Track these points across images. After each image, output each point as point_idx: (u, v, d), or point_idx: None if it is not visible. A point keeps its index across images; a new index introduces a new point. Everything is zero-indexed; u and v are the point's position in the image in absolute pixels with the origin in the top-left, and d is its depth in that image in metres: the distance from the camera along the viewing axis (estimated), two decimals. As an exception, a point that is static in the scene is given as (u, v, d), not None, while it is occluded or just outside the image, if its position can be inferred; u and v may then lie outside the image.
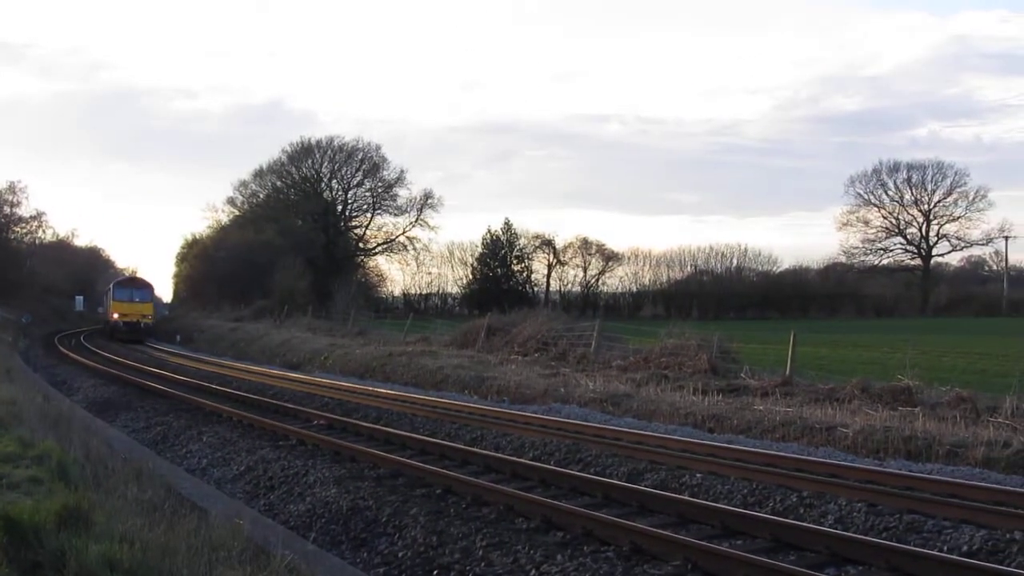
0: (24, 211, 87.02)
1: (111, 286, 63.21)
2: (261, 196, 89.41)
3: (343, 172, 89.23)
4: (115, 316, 59.07)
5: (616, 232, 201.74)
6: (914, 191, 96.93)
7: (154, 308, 63.06)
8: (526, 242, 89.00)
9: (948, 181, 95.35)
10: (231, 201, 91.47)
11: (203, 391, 23.55)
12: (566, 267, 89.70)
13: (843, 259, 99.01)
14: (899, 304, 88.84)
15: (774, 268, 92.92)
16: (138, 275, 66.42)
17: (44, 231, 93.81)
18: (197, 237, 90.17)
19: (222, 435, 16.37)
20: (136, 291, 60.73)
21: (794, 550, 8.40)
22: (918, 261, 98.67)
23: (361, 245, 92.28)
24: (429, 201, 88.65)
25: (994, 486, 11.20)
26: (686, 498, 10.31)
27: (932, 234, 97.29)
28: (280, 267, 65.86)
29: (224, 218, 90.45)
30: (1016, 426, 15.49)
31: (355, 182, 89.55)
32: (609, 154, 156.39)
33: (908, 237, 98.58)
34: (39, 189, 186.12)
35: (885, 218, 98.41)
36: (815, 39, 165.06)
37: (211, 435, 16.51)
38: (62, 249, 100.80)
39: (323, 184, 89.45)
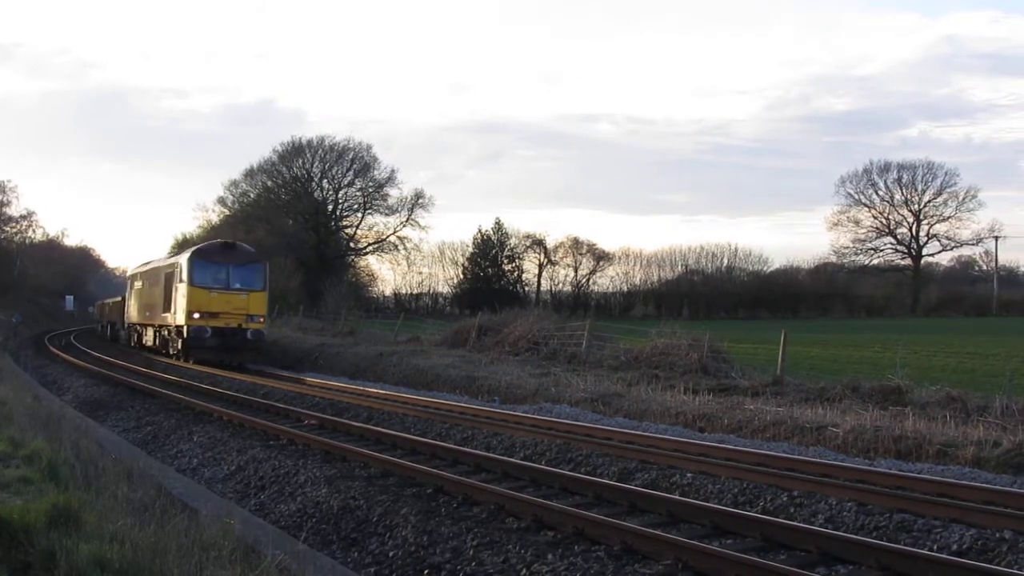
0: (14, 211, 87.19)
1: (183, 261, 34.28)
2: (252, 196, 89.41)
3: (334, 172, 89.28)
4: (194, 316, 32.67)
5: (607, 232, 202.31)
6: (904, 191, 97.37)
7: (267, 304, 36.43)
8: (517, 242, 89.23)
9: (938, 181, 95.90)
10: (222, 201, 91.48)
11: (193, 391, 23.50)
12: (557, 267, 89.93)
13: (834, 259, 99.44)
14: (889, 304, 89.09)
15: (765, 268, 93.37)
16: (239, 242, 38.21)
17: (34, 231, 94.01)
18: (188, 237, 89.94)
19: (212, 435, 16.32)
20: (236, 270, 33.98)
21: (784, 549, 8.41)
22: (908, 261, 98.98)
23: (352, 245, 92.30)
24: (420, 201, 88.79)
25: (984, 485, 11.24)
26: (677, 497, 10.31)
27: (922, 234, 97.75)
28: (271, 267, 65.61)
29: (215, 218, 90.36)
30: (1006, 425, 15.54)
31: (346, 182, 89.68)
32: (600, 154, 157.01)
33: (898, 237, 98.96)
34: (29, 189, 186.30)
35: (875, 218, 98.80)
36: (806, 39, 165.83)
37: (201, 435, 16.47)
38: (52, 249, 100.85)
39: (314, 184, 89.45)
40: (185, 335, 33.15)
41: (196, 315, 32.58)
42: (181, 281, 33.73)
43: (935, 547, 8.45)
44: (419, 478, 11.71)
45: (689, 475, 11.68)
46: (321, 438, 14.86)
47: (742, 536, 8.81)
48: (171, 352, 35.69)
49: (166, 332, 36.76)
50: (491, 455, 13.19)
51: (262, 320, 33.98)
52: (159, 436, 17.34)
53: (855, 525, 9.31)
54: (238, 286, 33.53)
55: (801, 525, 9.03)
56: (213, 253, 34.45)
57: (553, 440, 14.52)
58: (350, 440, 15.16)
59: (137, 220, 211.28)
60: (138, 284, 44.04)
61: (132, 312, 45.58)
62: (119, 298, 53.82)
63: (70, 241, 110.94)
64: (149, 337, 40.48)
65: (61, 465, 9.73)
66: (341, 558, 9.20)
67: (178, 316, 33.96)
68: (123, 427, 18.89)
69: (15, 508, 6.95)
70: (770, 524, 8.91)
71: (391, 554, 9.06)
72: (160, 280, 37.68)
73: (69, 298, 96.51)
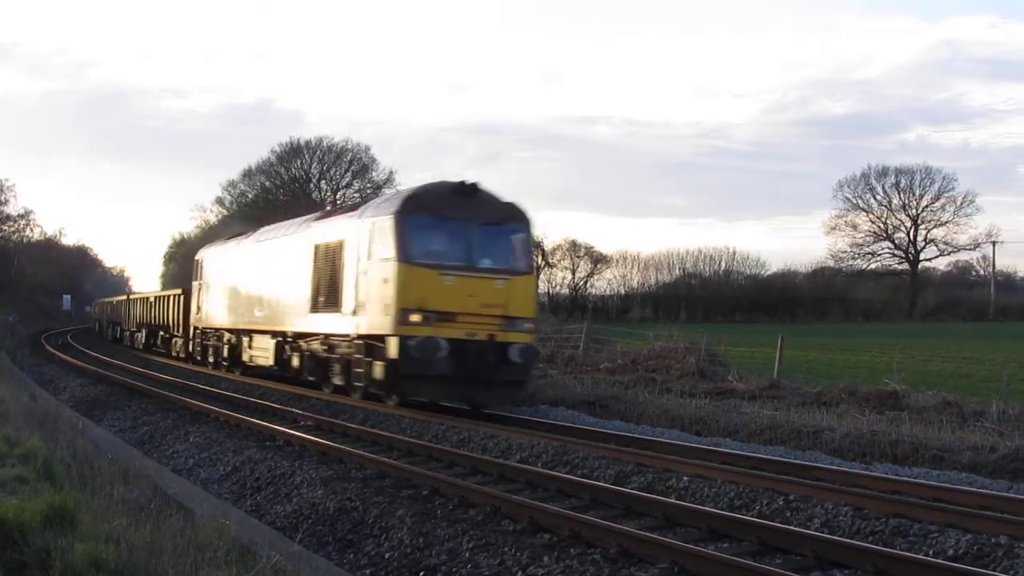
0: (12, 210, 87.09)
1: (382, 217, 18.76)
2: (250, 196, 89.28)
3: (332, 173, 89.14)
4: (411, 318, 17.54)
5: (605, 234, 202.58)
6: (902, 196, 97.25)
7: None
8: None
9: (936, 186, 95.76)
10: (220, 201, 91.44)
11: (190, 391, 23.47)
12: (554, 269, 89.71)
13: (831, 263, 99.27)
14: (887, 308, 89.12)
15: (762, 271, 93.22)
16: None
17: (32, 230, 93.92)
18: (185, 237, 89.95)
19: (209, 435, 16.31)
20: (484, 234, 18.87)
21: (780, 553, 8.40)
22: (906, 266, 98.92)
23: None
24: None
25: (980, 491, 11.25)
26: (673, 501, 10.31)
27: (920, 239, 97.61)
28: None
29: (212, 218, 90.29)
30: (1002, 431, 15.60)
31: (344, 183, 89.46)
32: (597, 156, 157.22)
33: (896, 242, 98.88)
34: (29, 188, 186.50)
35: (873, 222, 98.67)
36: (804, 43, 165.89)
37: (198, 435, 16.45)
38: (50, 248, 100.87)
39: (312, 185, 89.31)
40: (395, 354, 17.75)
41: (415, 317, 17.60)
42: (377, 256, 18.65)
43: (931, 552, 8.44)
44: (415, 480, 11.71)
45: (685, 478, 11.67)
46: (318, 439, 14.84)
47: (738, 540, 8.80)
48: (341, 383, 20.76)
49: (324, 349, 21.51)
50: (487, 457, 13.19)
51: (531, 327, 18.95)
52: (155, 436, 17.33)
53: (851, 529, 9.30)
54: (488, 263, 18.64)
55: (797, 529, 9.03)
56: (440, 203, 18.69)
57: (550, 442, 14.50)
58: (346, 441, 15.13)
59: (137, 220, 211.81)
60: (224, 265, 30.12)
61: (211, 311, 30.90)
62: (175, 291, 38.84)
63: (68, 240, 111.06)
64: (262, 352, 25.51)
65: (57, 464, 9.72)
66: (337, 559, 9.19)
67: (372, 319, 18.67)
68: (119, 427, 18.89)
69: (11, 507, 6.93)
70: (766, 528, 8.91)
71: (387, 555, 9.05)
72: (303, 255, 22.78)
73: (66, 297, 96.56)
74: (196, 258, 34.15)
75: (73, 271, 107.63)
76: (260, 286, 26.23)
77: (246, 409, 19.58)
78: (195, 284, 33.23)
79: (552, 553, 8.41)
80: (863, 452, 14.98)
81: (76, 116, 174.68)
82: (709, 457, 13.55)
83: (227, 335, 29.31)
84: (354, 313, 19.50)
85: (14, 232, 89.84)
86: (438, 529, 9.33)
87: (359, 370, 19.28)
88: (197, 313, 32.64)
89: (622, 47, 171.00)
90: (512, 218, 19.49)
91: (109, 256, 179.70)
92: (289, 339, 23.75)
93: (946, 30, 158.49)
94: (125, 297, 55.09)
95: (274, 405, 19.92)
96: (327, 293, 21.18)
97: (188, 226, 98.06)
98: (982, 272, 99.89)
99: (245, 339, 27.36)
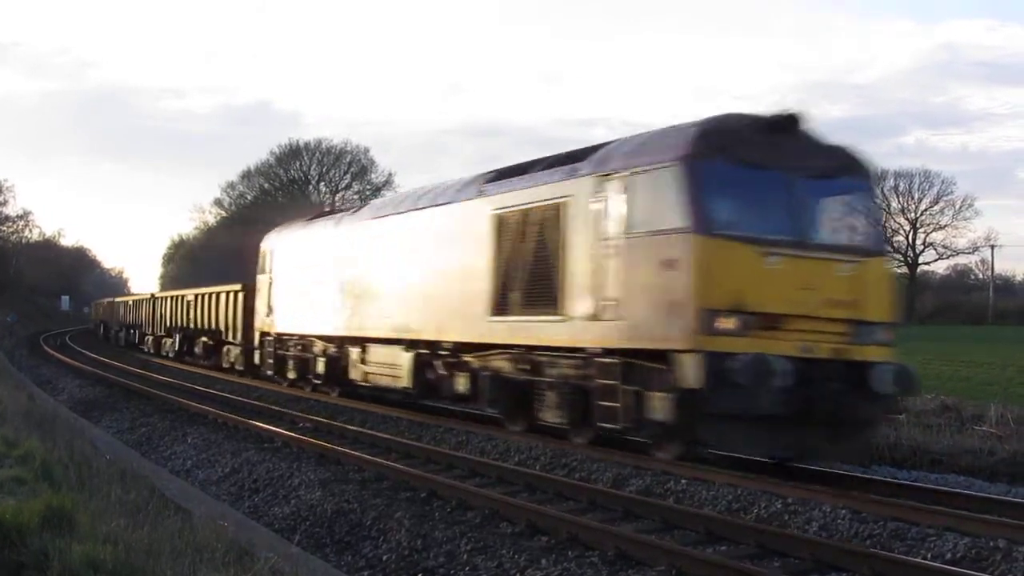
0: (10, 210, 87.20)
1: (658, 168, 12.01)
2: (248, 198, 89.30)
3: (331, 174, 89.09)
4: (719, 322, 11.12)
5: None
6: (901, 199, 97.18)
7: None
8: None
9: (935, 190, 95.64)
10: (218, 202, 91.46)
11: (188, 392, 23.46)
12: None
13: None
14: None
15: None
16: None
17: (30, 231, 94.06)
18: (184, 238, 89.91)
19: (207, 437, 16.31)
20: (814, 194, 12.25)
21: (778, 556, 8.40)
22: (904, 269, 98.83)
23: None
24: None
25: (978, 494, 11.25)
26: (670, 504, 10.31)
27: (919, 242, 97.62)
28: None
29: (211, 219, 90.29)
30: (1001, 434, 15.59)
31: (343, 184, 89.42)
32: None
33: (895, 245, 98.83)
34: (27, 188, 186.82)
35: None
36: (803, 46, 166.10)
37: (196, 437, 16.45)
38: (48, 249, 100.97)
39: (311, 186, 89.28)
40: (695, 382, 11.33)
41: (727, 322, 11.37)
42: (645, 227, 12.34)
43: (929, 555, 8.44)
44: (413, 482, 11.70)
45: (683, 481, 11.65)
46: (316, 441, 14.83)
47: (736, 543, 8.80)
48: (559, 420, 14.29)
49: (522, 369, 14.93)
50: (486, 460, 13.18)
51: (891, 337, 12.76)
52: (153, 437, 17.32)
53: (849, 533, 9.30)
54: (826, 238, 12.50)
55: (795, 532, 9.04)
56: (747, 145, 12.11)
57: (547, 445, 14.48)
58: (345, 443, 15.12)
59: (136, 221, 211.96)
60: (313, 252, 23.06)
61: (291, 313, 24.06)
62: (231, 287, 31.30)
63: (66, 241, 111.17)
64: (386, 369, 19.03)
65: (55, 465, 9.72)
66: (335, 561, 9.19)
67: (639, 324, 12.24)
68: (117, 428, 18.88)
69: (9, 508, 6.93)
70: (764, 531, 8.91)
71: (385, 558, 9.05)
72: (472, 232, 16.02)
73: (65, 298, 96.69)
74: (263, 247, 26.65)
75: (71, 272, 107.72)
76: (384, 278, 19.04)
77: (244, 411, 19.57)
78: (262, 278, 26.21)
79: (550, 556, 8.41)
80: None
81: (76, 116, 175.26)
82: (706, 460, 13.52)
83: (320, 344, 22.43)
84: (594, 317, 13.01)
85: (13, 233, 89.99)
86: (436, 531, 9.33)
87: (609, 404, 12.64)
88: (268, 315, 25.50)
89: (622, 47, 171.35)
90: (847, 169, 12.97)
91: (108, 257, 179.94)
92: (444, 352, 16.99)
93: (945, 33, 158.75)
94: (149, 296, 46.97)
95: (272, 407, 19.91)
96: (527, 286, 14.62)
97: (187, 227, 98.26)
98: (981, 276, 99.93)
99: (354, 350, 20.40)
